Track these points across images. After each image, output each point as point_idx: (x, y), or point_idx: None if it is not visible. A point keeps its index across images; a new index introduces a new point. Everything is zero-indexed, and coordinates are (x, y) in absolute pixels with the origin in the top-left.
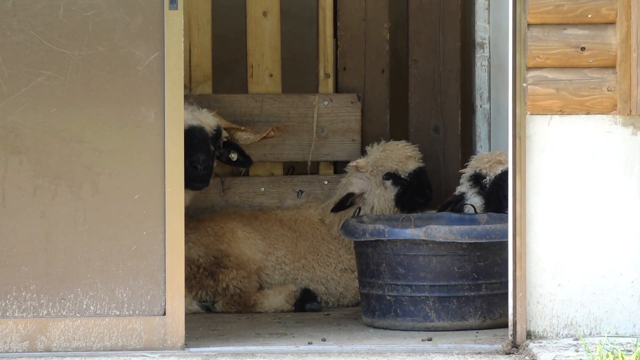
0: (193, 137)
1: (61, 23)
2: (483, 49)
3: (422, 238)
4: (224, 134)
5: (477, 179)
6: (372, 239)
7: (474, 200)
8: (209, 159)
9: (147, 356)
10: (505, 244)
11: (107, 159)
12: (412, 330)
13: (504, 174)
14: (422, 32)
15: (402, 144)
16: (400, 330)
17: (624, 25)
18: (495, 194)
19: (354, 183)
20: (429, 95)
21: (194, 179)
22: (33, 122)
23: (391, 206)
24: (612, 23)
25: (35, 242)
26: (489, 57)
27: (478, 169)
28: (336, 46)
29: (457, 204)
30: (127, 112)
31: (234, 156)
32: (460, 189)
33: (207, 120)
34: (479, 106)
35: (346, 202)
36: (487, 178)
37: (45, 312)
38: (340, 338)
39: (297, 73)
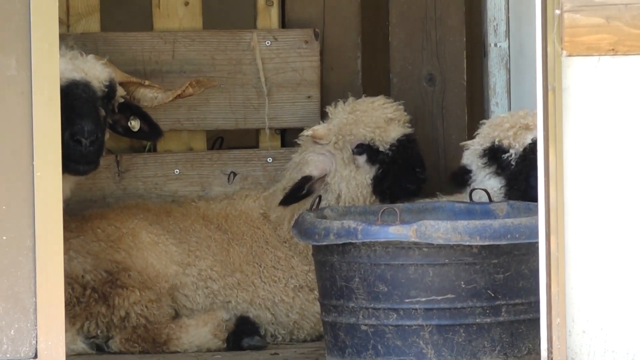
0: (75, 96)
1: None
2: None
3: (413, 240)
4: (120, 91)
5: (494, 155)
6: (340, 242)
7: (489, 184)
8: (98, 130)
9: None
10: (535, 246)
11: None
12: None
13: (537, 144)
14: None
15: (379, 101)
16: None
17: None
18: (525, 175)
19: (311, 161)
20: (419, 30)
21: (76, 158)
22: None
23: (366, 193)
24: None
25: None
26: None
27: (497, 140)
28: None
29: (463, 177)
30: None
31: (134, 124)
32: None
33: (95, 71)
34: (492, 44)
35: (301, 189)
36: (512, 152)
37: None
38: None
39: (226, 0)
